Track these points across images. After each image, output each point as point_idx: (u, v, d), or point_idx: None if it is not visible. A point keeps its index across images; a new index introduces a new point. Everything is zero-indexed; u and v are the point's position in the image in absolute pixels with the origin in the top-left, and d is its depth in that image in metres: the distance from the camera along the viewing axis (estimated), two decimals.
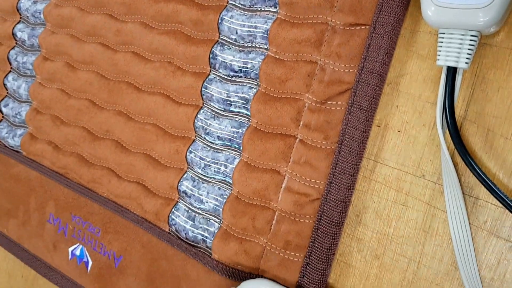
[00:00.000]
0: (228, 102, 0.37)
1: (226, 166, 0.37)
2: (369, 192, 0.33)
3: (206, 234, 0.37)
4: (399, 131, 0.33)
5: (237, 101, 0.37)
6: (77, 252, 0.46)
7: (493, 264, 0.29)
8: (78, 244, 0.46)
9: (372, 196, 0.33)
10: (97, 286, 0.45)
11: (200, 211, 0.38)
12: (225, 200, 0.36)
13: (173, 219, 0.39)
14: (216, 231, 0.37)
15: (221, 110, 0.38)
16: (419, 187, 0.32)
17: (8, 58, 0.53)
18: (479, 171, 0.28)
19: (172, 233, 0.39)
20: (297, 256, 0.34)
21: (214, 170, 0.37)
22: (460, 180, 0.30)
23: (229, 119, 0.37)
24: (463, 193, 0.30)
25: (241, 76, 0.37)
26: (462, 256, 0.29)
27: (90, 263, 0.45)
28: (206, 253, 0.38)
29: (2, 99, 0.54)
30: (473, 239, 0.30)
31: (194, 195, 0.38)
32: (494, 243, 0.29)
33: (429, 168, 0.31)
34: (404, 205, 0.32)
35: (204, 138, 0.38)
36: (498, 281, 0.29)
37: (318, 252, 0.33)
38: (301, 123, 0.34)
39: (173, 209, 0.39)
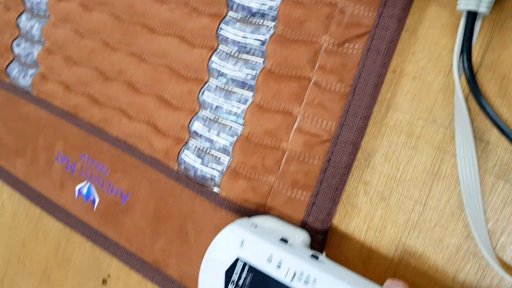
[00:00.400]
0: (243, 44, 0.37)
1: (238, 107, 0.37)
2: (379, 136, 0.34)
3: (214, 173, 0.38)
4: (414, 78, 0.33)
5: (252, 43, 0.37)
6: (84, 190, 0.47)
7: (498, 207, 0.30)
8: (85, 182, 0.46)
9: (382, 141, 0.33)
10: (102, 223, 0.45)
11: (210, 151, 0.39)
12: (235, 140, 0.37)
13: (183, 158, 0.40)
14: (225, 170, 0.37)
15: (236, 52, 0.38)
16: (430, 132, 0.32)
17: None
18: (492, 113, 0.28)
19: (180, 172, 0.40)
20: (303, 195, 0.34)
21: (226, 111, 0.38)
22: (472, 125, 0.30)
23: (243, 61, 0.37)
24: (474, 138, 0.30)
25: (258, 18, 0.37)
26: (469, 197, 0.30)
27: (97, 201, 0.46)
28: (214, 191, 0.38)
29: (15, 39, 0.54)
30: (481, 182, 0.30)
31: (204, 135, 0.39)
32: (501, 187, 0.30)
33: (442, 113, 0.32)
34: (414, 149, 0.32)
35: (218, 79, 0.39)
36: (503, 222, 0.30)
37: (325, 192, 0.34)
38: (317, 65, 0.34)
39: (183, 148, 0.40)
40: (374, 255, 0.34)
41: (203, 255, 0.39)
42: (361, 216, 0.34)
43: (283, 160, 0.35)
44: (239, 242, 0.32)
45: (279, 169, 0.35)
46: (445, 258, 0.31)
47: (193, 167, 0.39)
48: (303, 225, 0.35)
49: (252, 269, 0.32)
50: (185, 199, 0.40)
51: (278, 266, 0.31)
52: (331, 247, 0.35)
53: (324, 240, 0.35)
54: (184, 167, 0.40)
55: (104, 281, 0.48)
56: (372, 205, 0.34)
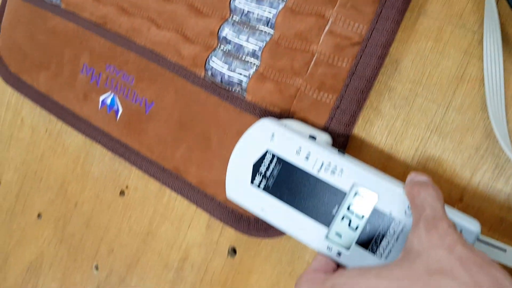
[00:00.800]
0: None
1: (270, 12, 0.38)
2: (408, 42, 0.35)
3: (242, 77, 0.39)
4: None
5: None
6: (108, 101, 0.48)
7: None
8: (109, 92, 0.47)
9: (411, 46, 0.34)
10: (125, 132, 0.47)
11: (238, 56, 0.40)
12: (264, 44, 0.38)
13: (210, 64, 0.41)
14: (252, 74, 0.38)
15: None
16: (458, 36, 0.33)
17: None
18: None
19: (207, 78, 0.41)
20: (329, 98, 0.35)
21: (257, 16, 0.39)
22: (500, 27, 0.31)
23: None
24: (502, 39, 0.31)
25: None
26: (493, 97, 0.31)
27: (120, 111, 0.47)
28: (240, 95, 0.39)
29: None
30: (505, 83, 0.31)
31: (234, 40, 0.39)
32: None
33: (471, 18, 0.33)
34: (441, 54, 0.33)
35: None
36: None
37: (350, 95, 0.35)
38: None
39: (211, 55, 0.41)
40: (393, 159, 0.35)
41: (224, 161, 0.40)
42: (384, 120, 0.35)
43: (312, 63, 0.36)
44: (270, 135, 0.33)
45: (307, 71, 0.36)
46: (463, 159, 0.33)
47: (220, 72, 0.40)
48: (326, 128, 0.36)
49: (280, 161, 0.33)
50: (210, 106, 0.41)
51: (306, 158, 0.32)
52: (351, 151, 0.37)
53: (345, 143, 0.36)
54: (211, 73, 0.41)
55: (122, 192, 0.50)
56: (395, 109, 0.35)
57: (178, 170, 0.44)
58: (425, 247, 0.25)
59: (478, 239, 0.30)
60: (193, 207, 0.46)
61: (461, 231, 0.29)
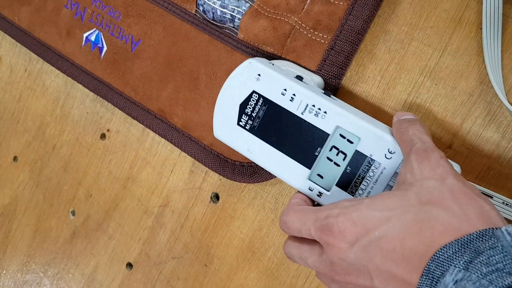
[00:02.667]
0: None
1: None
2: None
3: (235, 14, 0.38)
4: None
5: None
6: (92, 38, 0.46)
7: None
8: (94, 29, 0.46)
9: None
10: (108, 71, 0.46)
11: None
12: None
13: None
14: (246, 10, 0.38)
15: None
16: None
17: None
18: None
19: (198, 14, 0.40)
20: (324, 38, 0.35)
21: None
22: None
23: None
24: None
25: None
26: (489, 40, 0.31)
27: (105, 48, 0.46)
28: (232, 33, 0.38)
29: None
30: (503, 26, 0.31)
31: None
32: None
33: None
34: None
35: None
36: None
37: (346, 36, 0.34)
38: None
39: None
40: (385, 103, 0.35)
41: (212, 102, 0.40)
42: (377, 64, 0.35)
43: (308, 0, 0.35)
44: (256, 75, 0.33)
45: (303, 9, 0.36)
46: (456, 105, 0.33)
47: (213, 8, 0.39)
48: (319, 69, 0.36)
49: (265, 102, 0.33)
50: (200, 43, 0.40)
51: (291, 99, 0.32)
52: (343, 94, 0.36)
53: (337, 86, 0.36)
54: (203, 9, 0.40)
55: (103, 136, 0.49)
56: (389, 53, 0.35)
57: (163, 112, 0.43)
58: (417, 179, 0.25)
59: None
60: (176, 151, 0.45)
61: None
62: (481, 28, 0.32)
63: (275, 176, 0.38)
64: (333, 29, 0.35)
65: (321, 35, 0.36)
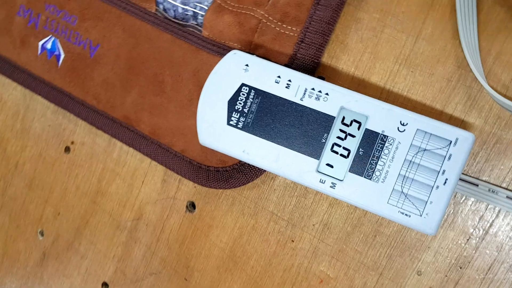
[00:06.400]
0: None
1: None
2: None
3: (197, 9, 0.37)
4: None
5: None
6: (48, 45, 0.44)
7: (493, 33, 0.30)
8: (50, 36, 0.44)
9: None
10: (68, 79, 0.44)
11: None
12: None
13: None
14: (209, 5, 0.36)
15: None
16: None
17: None
18: None
19: (158, 13, 0.38)
20: (293, 31, 0.34)
21: None
22: None
23: None
24: None
25: None
26: (465, 23, 0.30)
27: (62, 56, 0.44)
28: (196, 30, 0.37)
29: None
30: (478, 8, 0.30)
31: None
32: (497, 12, 0.30)
33: None
34: None
35: None
36: (494, 54, 0.30)
37: (316, 27, 0.33)
38: None
39: None
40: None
41: (180, 105, 0.38)
42: (350, 55, 0.34)
43: None
44: (244, 66, 0.32)
45: (269, 1, 0.34)
46: (434, 91, 0.32)
47: (173, 6, 0.38)
48: (291, 63, 0.34)
49: (258, 94, 0.31)
50: (163, 44, 0.38)
51: (287, 86, 0.31)
52: None
53: None
54: (163, 7, 0.38)
55: (67, 149, 0.47)
56: (362, 42, 0.34)
57: (129, 120, 0.41)
58: None
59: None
60: (147, 160, 0.43)
61: (457, 140, 0.28)
62: (455, 10, 0.31)
63: (252, 180, 0.37)
64: (301, 20, 0.34)
65: (289, 27, 0.34)
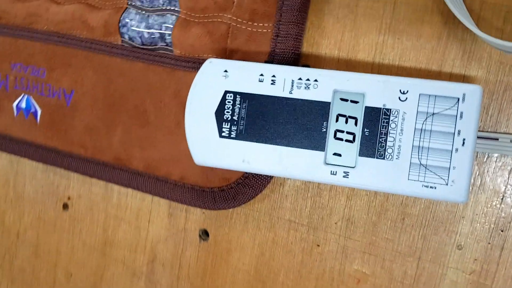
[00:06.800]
0: None
1: None
2: None
3: (163, 30, 0.35)
4: None
5: None
6: (23, 105, 0.43)
7: None
8: (22, 95, 0.43)
9: None
10: (49, 134, 0.42)
11: (153, 8, 0.36)
12: None
13: (125, 26, 0.37)
14: (174, 23, 0.34)
15: None
16: None
17: None
18: None
19: (125, 44, 0.37)
20: (266, 27, 0.32)
21: None
22: None
23: None
24: None
25: None
26: None
27: (39, 111, 0.42)
28: (167, 51, 0.35)
29: None
30: None
31: None
32: None
33: None
34: None
35: None
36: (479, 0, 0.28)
37: (287, 17, 0.32)
38: None
39: (123, 15, 0.37)
40: None
41: (168, 132, 0.37)
42: (331, 38, 0.32)
43: None
44: (222, 73, 0.30)
45: (233, 3, 0.33)
46: (427, 53, 0.30)
47: (138, 33, 0.36)
48: (271, 60, 0.33)
49: (244, 98, 0.30)
50: (136, 74, 0.37)
51: (273, 83, 0.29)
52: None
53: None
54: (128, 37, 0.37)
55: (65, 206, 0.45)
56: (339, 22, 0.32)
57: (120, 160, 0.39)
58: None
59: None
60: (148, 198, 0.41)
61: (464, 95, 0.26)
62: None
63: (260, 192, 0.34)
64: (271, 15, 0.32)
65: (261, 24, 0.33)
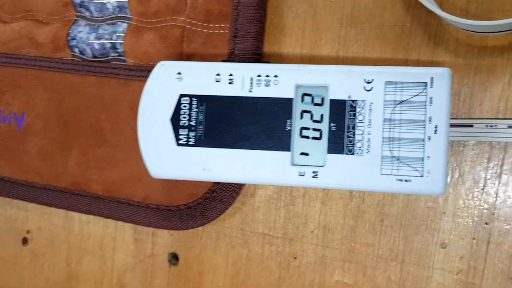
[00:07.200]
0: None
1: None
2: None
3: (114, 39, 0.33)
4: None
5: None
6: None
7: None
8: None
9: None
10: (2, 163, 0.39)
11: (103, 18, 0.34)
12: None
13: (74, 40, 0.35)
14: (125, 30, 0.33)
15: None
16: None
17: None
18: None
19: (76, 58, 0.35)
20: (222, 27, 0.31)
21: None
22: None
23: None
24: None
25: None
26: None
27: None
28: (120, 62, 0.33)
29: None
30: None
31: (92, 2, 0.34)
32: None
33: None
34: None
35: None
36: None
37: (245, 15, 0.30)
38: None
39: (71, 28, 0.35)
40: None
41: (127, 149, 0.34)
42: (292, 35, 0.31)
43: None
44: (176, 75, 0.28)
45: (186, 4, 0.31)
46: (391, 42, 0.29)
47: (88, 44, 0.34)
48: (231, 61, 0.31)
49: (201, 101, 0.28)
50: (89, 89, 0.35)
51: (231, 82, 0.27)
52: None
53: None
54: (79, 50, 0.35)
55: (25, 240, 0.42)
56: (299, 18, 0.31)
57: (78, 184, 0.37)
58: None
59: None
60: (111, 223, 0.39)
61: (432, 79, 0.25)
62: None
63: (230, 205, 0.32)
64: (228, 14, 0.31)
65: (217, 25, 0.31)
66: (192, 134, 0.28)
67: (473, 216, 0.28)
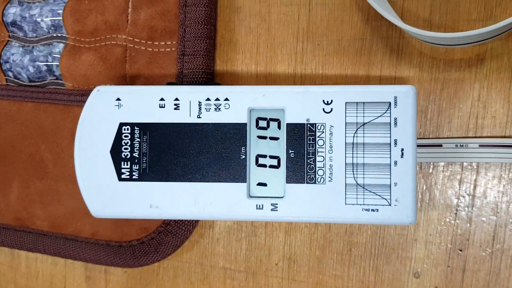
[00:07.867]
0: None
1: None
2: None
3: (50, 61, 0.30)
4: None
5: None
6: None
7: None
8: None
9: None
10: None
11: (38, 38, 0.31)
12: (63, 7, 0.30)
13: (7, 63, 0.32)
14: (62, 51, 0.30)
15: None
16: None
17: None
18: None
19: (10, 83, 0.32)
20: (169, 45, 0.28)
21: None
22: None
23: None
24: None
25: None
26: None
27: None
28: (58, 86, 0.31)
29: None
30: None
31: (25, 20, 0.31)
32: None
33: None
34: None
35: None
36: None
37: (192, 31, 0.28)
38: None
39: (4, 50, 0.32)
40: None
41: (70, 180, 0.32)
42: (245, 51, 0.29)
43: (130, 8, 0.29)
44: (115, 102, 0.25)
45: (127, 21, 0.29)
46: (352, 56, 0.27)
47: (23, 67, 0.31)
48: (180, 83, 0.28)
49: (144, 129, 0.25)
50: (26, 116, 0.32)
51: (176, 107, 0.25)
52: None
53: None
54: (13, 74, 0.32)
55: None
56: (252, 33, 0.28)
57: (21, 220, 0.34)
58: None
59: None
60: (60, 261, 0.36)
61: (396, 99, 0.23)
62: None
63: (187, 239, 0.30)
64: (174, 30, 0.28)
65: (163, 43, 0.29)
66: (135, 167, 0.25)
67: (446, 242, 0.26)
